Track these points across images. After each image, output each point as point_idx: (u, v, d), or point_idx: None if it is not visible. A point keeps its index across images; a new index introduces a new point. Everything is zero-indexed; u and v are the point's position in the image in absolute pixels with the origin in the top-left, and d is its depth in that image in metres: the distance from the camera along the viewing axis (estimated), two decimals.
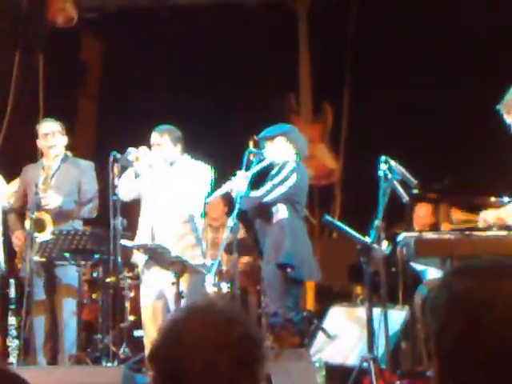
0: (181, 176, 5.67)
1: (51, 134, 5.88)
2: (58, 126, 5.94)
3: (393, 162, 5.09)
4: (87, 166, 6.02)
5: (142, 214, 5.77)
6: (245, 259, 7.48)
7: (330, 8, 9.03)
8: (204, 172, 5.75)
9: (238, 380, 1.60)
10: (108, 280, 6.69)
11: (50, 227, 5.57)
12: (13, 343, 6.23)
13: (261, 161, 5.66)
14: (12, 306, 6.44)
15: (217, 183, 5.80)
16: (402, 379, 5.28)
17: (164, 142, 5.71)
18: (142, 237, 5.64)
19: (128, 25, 8.85)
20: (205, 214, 7.46)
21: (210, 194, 5.83)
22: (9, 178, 6.53)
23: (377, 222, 4.99)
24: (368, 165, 5.48)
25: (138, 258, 5.74)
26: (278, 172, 5.68)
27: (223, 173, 5.84)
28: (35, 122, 6.15)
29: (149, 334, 5.70)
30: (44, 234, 5.53)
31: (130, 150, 5.55)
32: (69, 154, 6.05)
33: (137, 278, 6.82)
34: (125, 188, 5.60)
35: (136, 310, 6.85)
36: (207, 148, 5.93)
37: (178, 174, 5.69)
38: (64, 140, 5.99)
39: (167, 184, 5.68)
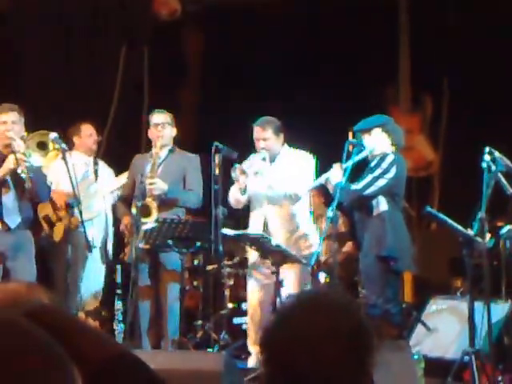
0: (286, 167, 5.73)
1: (161, 125, 6.00)
2: (168, 118, 6.05)
3: (497, 154, 5.01)
4: (192, 159, 6.10)
5: (252, 208, 5.86)
6: (342, 250, 7.48)
7: None
8: (307, 162, 5.78)
9: (349, 369, 1.59)
10: (209, 268, 6.82)
11: (155, 213, 5.71)
12: (119, 327, 6.46)
13: (360, 151, 5.64)
14: (118, 291, 6.67)
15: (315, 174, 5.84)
16: (505, 374, 5.20)
17: (268, 136, 5.75)
18: (256, 229, 5.73)
19: (228, 17, 8.94)
20: None
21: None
22: (114, 169, 6.74)
23: (480, 215, 4.92)
24: (468, 156, 5.40)
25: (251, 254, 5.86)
26: (378, 164, 5.64)
27: (322, 163, 5.86)
28: (140, 115, 6.29)
29: (254, 325, 5.80)
30: (150, 219, 5.67)
31: (236, 166, 5.64)
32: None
33: (237, 266, 6.94)
34: (234, 198, 5.84)
35: (235, 297, 6.98)
36: (306, 139, 5.96)
37: (283, 166, 5.75)
38: (173, 131, 6.09)
39: (274, 177, 5.74)
